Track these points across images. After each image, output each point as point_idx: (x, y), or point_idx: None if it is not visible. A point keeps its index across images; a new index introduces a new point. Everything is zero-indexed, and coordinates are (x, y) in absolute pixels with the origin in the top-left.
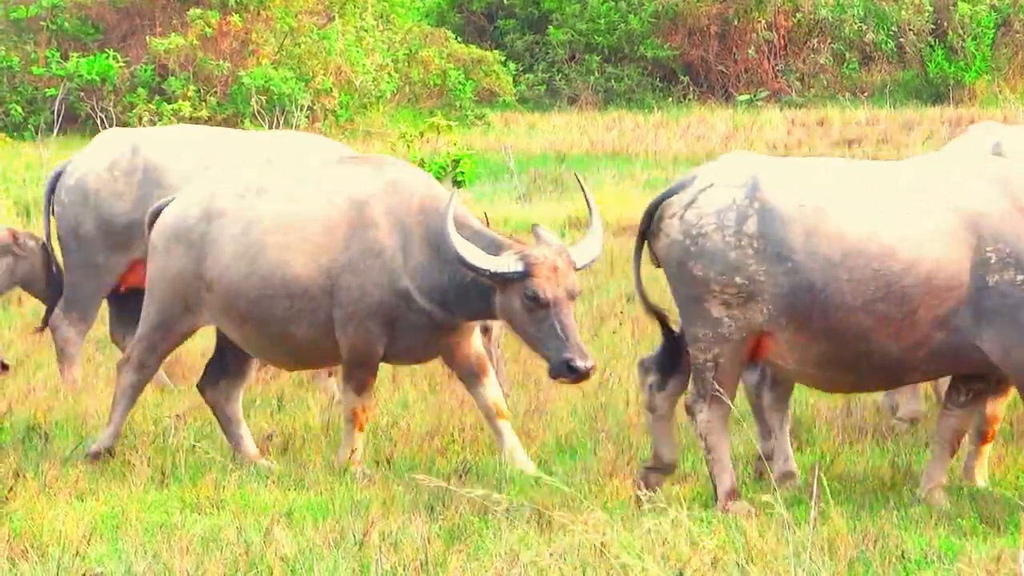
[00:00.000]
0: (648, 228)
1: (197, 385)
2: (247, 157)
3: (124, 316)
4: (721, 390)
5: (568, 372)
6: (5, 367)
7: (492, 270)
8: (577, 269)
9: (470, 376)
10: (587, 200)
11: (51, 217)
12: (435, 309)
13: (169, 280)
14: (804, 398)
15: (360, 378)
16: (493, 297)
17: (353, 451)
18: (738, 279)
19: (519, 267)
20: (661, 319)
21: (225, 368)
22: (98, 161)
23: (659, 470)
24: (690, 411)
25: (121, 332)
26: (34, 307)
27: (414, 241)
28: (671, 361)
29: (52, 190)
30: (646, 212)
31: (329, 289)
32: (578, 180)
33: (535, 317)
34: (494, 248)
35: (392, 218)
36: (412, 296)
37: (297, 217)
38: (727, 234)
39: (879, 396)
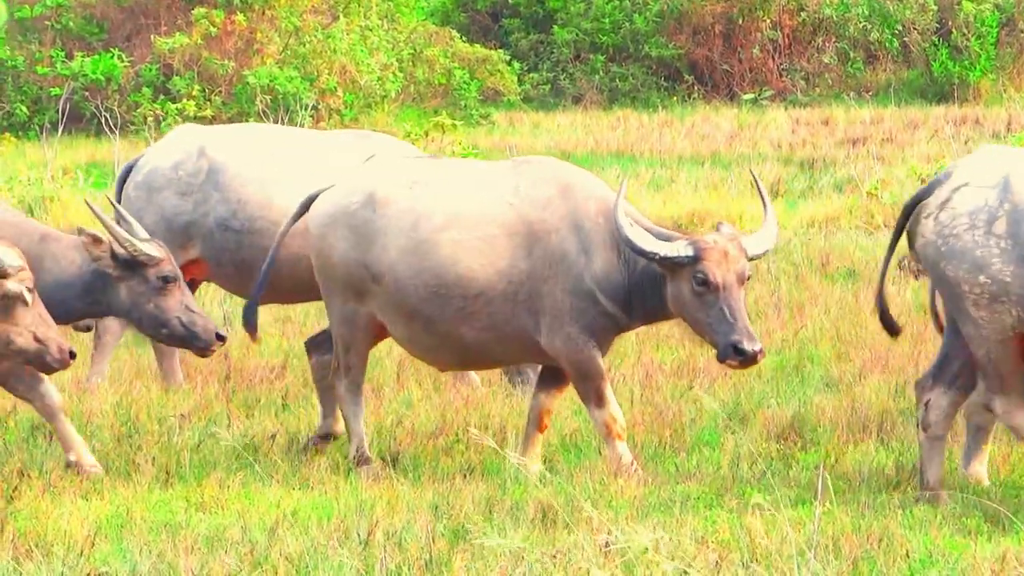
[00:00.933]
0: (904, 228)
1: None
2: (315, 157)
3: None
4: (1005, 384)
5: (735, 355)
6: (222, 338)
7: (663, 254)
8: (750, 258)
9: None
10: (761, 195)
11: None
12: (618, 311)
13: (332, 266)
14: (808, 397)
15: (593, 389)
16: (664, 290)
17: (622, 460)
18: (982, 278)
19: (689, 251)
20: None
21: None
22: (165, 159)
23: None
24: (989, 409)
25: None
26: None
27: (594, 243)
28: (948, 373)
29: (123, 182)
30: (903, 211)
31: (511, 295)
32: (753, 177)
33: (704, 302)
34: (664, 238)
35: (570, 221)
36: (598, 299)
37: (473, 216)
38: (976, 234)
39: (883, 395)
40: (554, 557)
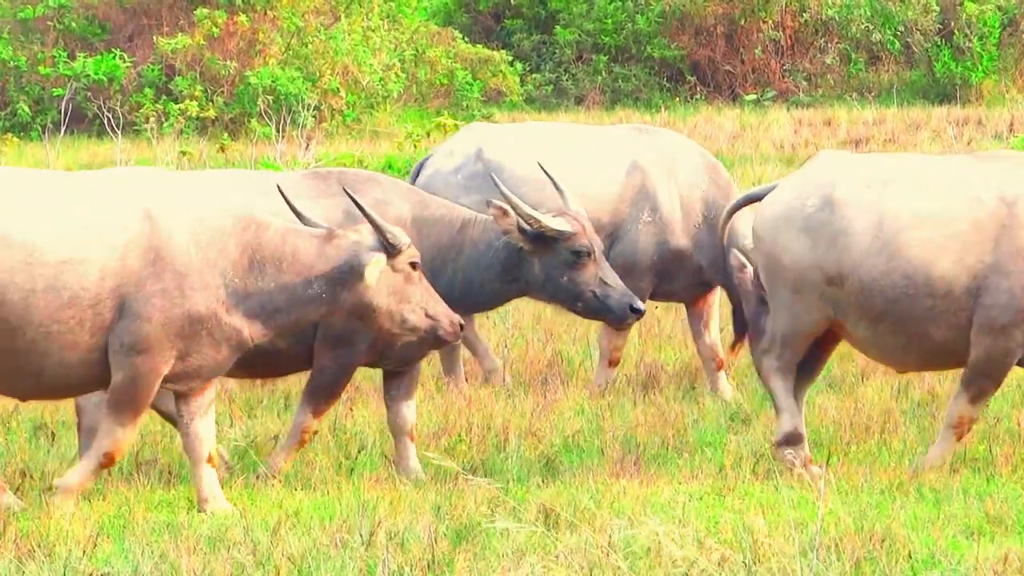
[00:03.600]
0: None
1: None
2: (592, 154)
3: None
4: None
5: None
6: (637, 311)
7: None
8: None
9: None
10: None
11: None
12: None
13: (783, 268)
14: (811, 398)
15: (982, 387)
16: None
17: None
18: None
19: None
20: None
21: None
22: (447, 162)
23: None
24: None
25: None
26: None
27: None
28: None
29: (413, 181)
30: None
31: (973, 290)
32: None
33: None
34: None
35: None
36: None
37: (941, 214)
38: None
39: (886, 395)
40: (556, 558)
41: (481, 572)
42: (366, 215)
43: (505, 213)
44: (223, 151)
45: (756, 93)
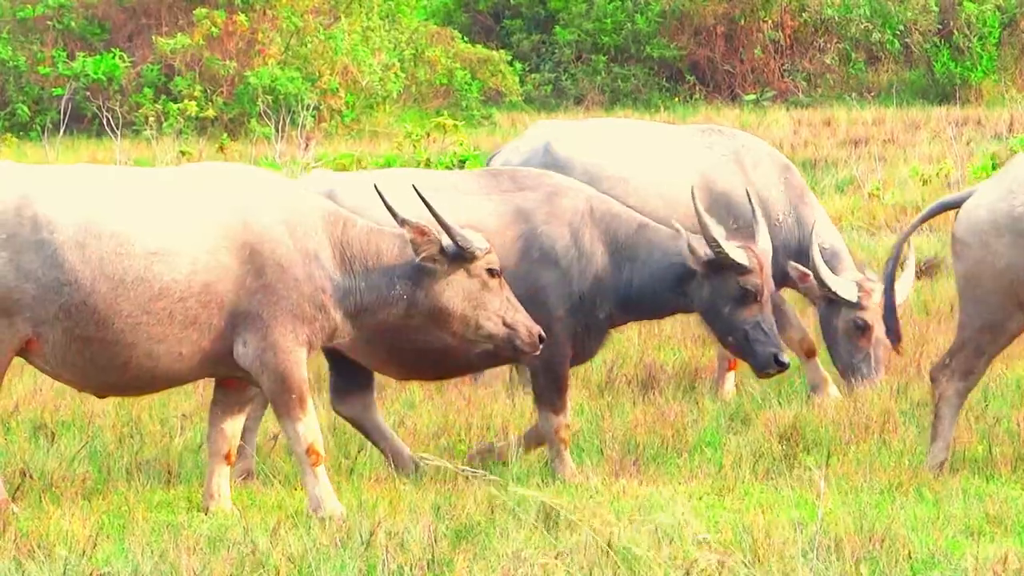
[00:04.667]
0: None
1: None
2: (664, 152)
3: None
4: None
5: None
6: (781, 363)
7: None
8: None
9: None
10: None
11: None
12: None
13: (994, 275)
14: (810, 397)
15: None
16: None
17: None
18: None
19: None
20: None
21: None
22: (515, 157)
23: None
24: None
25: None
26: None
27: None
28: None
29: None
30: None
31: None
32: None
33: None
34: None
35: None
36: None
37: None
38: None
39: (886, 395)
40: (556, 558)
41: (481, 572)
42: (438, 219)
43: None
44: (222, 151)
45: (755, 93)
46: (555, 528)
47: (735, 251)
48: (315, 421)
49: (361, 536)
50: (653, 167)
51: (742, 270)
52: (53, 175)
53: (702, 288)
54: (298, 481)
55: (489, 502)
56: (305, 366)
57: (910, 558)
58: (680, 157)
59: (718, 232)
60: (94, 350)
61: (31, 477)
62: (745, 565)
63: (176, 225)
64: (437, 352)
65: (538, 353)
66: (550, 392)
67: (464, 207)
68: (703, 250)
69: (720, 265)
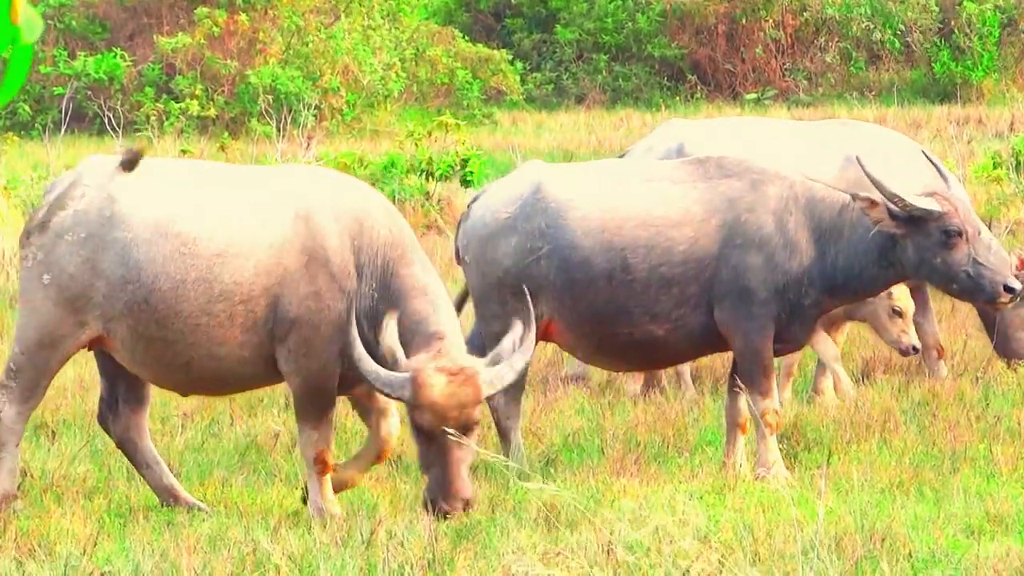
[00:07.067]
0: None
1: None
2: (799, 149)
3: None
4: None
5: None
6: (1010, 289)
7: None
8: None
9: None
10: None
11: None
12: None
13: None
14: (811, 396)
15: None
16: None
17: None
18: None
19: None
20: None
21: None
22: (647, 157)
23: None
24: None
25: None
26: None
27: None
28: None
29: None
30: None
31: None
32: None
33: None
34: None
35: None
36: None
37: None
38: None
39: (886, 395)
40: (557, 556)
41: (481, 572)
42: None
43: (873, 204)
44: (223, 150)
45: (757, 92)
46: (555, 528)
47: (921, 200)
48: (331, 432)
49: (362, 535)
50: (789, 164)
51: (936, 216)
52: (139, 168)
53: (906, 250)
54: (299, 481)
55: (490, 501)
56: (337, 379)
57: (911, 557)
58: (817, 152)
59: (898, 188)
60: (157, 349)
61: (32, 476)
62: (745, 565)
63: (243, 227)
64: (646, 344)
65: (745, 338)
66: (754, 376)
67: (674, 195)
68: (892, 214)
69: (915, 220)
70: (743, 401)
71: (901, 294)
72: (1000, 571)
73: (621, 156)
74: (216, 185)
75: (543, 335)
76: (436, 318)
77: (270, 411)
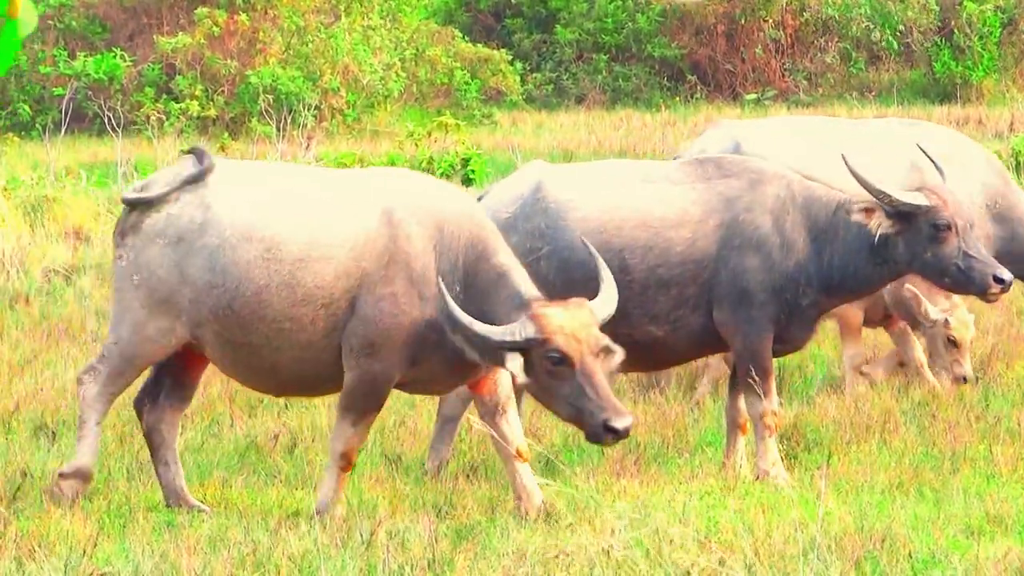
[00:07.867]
0: None
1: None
2: (862, 151)
3: None
4: None
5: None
6: (1000, 280)
7: None
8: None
9: None
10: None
11: None
12: None
13: None
14: (811, 397)
15: None
16: None
17: None
18: None
19: None
20: None
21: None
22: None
23: None
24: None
25: None
26: (41, 307)
27: None
28: None
29: None
30: None
31: None
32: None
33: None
34: None
35: None
36: None
37: None
38: None
39: (886, 395)
40: (557, 557)
41: (481, 572)
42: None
43: (869, 211)
44: (224, 150)
45: (756, 92)
46: (555, 528)
47: (908, 195)
48: (366, 435)
49: (362, 535)
50: (836, 163)
51: (924, 210)
52: (229, 172)
53: (897, 246)
54: (298, 481)
55: (490, 502)
56: (392, 384)
57: (911, 557)
58: (880, 152)
59: (884, 186)
60: (244, 354)
61: (32, 477)
62: (745, 565)
63: (324, 230)
64: (645, 345)
65: (745, 340)
66: (754, 377)
67: (673, 196)
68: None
69: (904, 215)
70: (743, 402)
71: (959, 325)
72: (1000, 571)
73: (676, 158)
74: (299, 188)
75: None
76: (525, 289)
77: (270, 412)
